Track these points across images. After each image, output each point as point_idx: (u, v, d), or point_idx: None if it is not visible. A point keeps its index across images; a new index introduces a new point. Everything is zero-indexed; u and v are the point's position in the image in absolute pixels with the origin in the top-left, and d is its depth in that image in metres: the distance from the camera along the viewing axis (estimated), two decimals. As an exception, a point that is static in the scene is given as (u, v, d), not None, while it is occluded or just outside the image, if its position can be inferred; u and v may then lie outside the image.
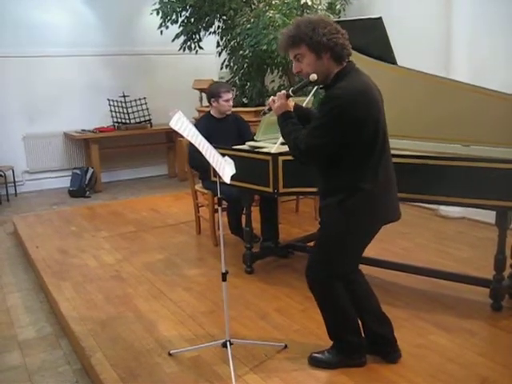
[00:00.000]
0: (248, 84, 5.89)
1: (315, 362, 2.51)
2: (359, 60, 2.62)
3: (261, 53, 5.25)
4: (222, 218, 2.63)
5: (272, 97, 2.42)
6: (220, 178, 2.43)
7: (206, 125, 4.15)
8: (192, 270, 3.81)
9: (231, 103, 4.22)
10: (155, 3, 5.76)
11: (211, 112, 4.30)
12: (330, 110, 2.14)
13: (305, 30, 2.14)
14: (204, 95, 6.38)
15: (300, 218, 5.06)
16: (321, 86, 2.32)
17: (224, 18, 5.89)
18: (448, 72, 4.53)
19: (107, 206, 5.80)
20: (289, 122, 2.33)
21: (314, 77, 2.19)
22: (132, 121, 7.01)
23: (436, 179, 2.94)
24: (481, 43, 4.53)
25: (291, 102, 2.40)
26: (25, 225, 5.11)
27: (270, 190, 3.30)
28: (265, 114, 2.65)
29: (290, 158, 3.26)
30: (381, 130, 2.21)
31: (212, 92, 4.24)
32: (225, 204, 4.01)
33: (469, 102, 3.11)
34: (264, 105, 4.85)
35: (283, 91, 2.38)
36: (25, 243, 4.56)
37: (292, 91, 2.34)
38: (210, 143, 2.46)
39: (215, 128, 4.14)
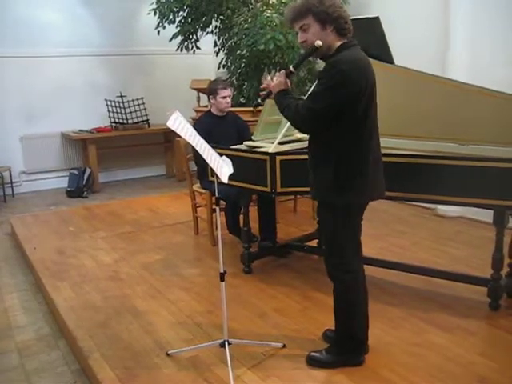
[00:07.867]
0: (245, 84, 5.89)
1: (313, 362, 2.52)
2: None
3: (258, 52, 5.24)
4: (220, 218, 2.63)
5: (268, 79, 2.44)
6: (218, 177, 2.43)
7: (207, 122, 4.18)
8: (190, 270, 3.81)
9: (229, 100, 4.22)
10: (152, 3, 5.76)
11: (211, 110, 4.32)
12: (332, 75, 2.19)
13: (312, 1, 2.24)
14: (202, 95, 6.40)
15: (298, 218, 5.06)
16: (320, 57, 2.35)
17: (221, 17, 5.89)
18: (445, 71, 4.54)
19: (105, 207, 5.79)
20: (287, 96, 2.38)
21: (319, 43, 2.24)
22: (129, 121, 6.99)
23: (434, 178, 2.94)
24: (478, 42, 4.53)
25: (288, 83, 2.43)
26: (22, 225, 5.10)
27: (268, 189, 3.31)
28: (265, 99, 2.54)
29: (287, 157, 3.28)
30: (372, 108, 2.28)
31: (210, 89, 4.26)
32: (223, 204, 4.01)
33: (466, 101, 3.11)
34: (262, 104, 4.82)
35: (283, 71, 2.41)
36: (22, 244, 4.55)
37: (293, 66, 2.38)
38: (211, 141, 2.44)
39: (215, 125, 4.15)
